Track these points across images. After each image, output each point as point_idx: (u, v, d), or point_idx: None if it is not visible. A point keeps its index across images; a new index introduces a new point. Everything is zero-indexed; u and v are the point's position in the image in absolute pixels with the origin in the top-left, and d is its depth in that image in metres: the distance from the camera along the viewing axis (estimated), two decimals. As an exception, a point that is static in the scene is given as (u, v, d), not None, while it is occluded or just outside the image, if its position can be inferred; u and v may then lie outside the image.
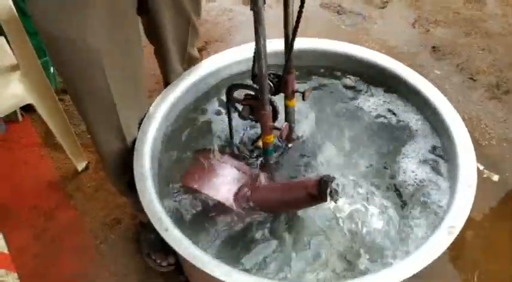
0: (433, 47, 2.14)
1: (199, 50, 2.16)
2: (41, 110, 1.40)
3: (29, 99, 1.32)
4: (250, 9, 0.91)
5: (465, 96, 1.90)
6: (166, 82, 1.34)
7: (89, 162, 1.70)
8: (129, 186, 1.19)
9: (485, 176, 1.62)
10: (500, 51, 2.12)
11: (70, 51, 0.95)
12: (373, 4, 2.41)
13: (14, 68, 1.35)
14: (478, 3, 2.41)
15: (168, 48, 1.24)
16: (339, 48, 1.35)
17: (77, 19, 0.91)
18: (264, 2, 0.86)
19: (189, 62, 1.34)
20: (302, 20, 0.92)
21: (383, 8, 2.39)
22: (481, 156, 1.65)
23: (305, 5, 0.90)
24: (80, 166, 1.67)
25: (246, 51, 1.36)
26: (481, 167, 1.64)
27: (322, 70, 1.38)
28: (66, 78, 1.04)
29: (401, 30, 2.25)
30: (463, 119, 1.15)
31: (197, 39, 1.34)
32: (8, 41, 1.47)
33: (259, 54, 0.91)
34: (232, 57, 1.36)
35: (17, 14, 1.28)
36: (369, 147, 1.19)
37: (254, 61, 1.05)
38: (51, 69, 1.88)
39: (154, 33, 1.20)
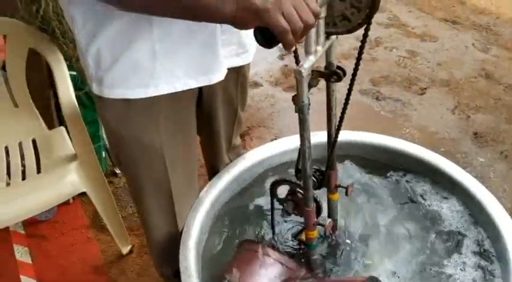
0: (475, 134, 2.14)
1: (242, 135, 2.24)
2: (92, 196, 1.47)
3: (83, 188, 1.40)
4: (295, 111, 0.96)
5: (511, 184, 1.87)
6: (211, 170, 1.40)
7: (133, 246, 1.74)
8: (174, 274, 1.21)
9: (538, 271, 1.54)
10: (545, 138, 2.10)
11: (136, 148, 1.03)
12: (411, 90, 2.47)
13: (72, 158, 1.45)
14: (519, 89, 2.44)
15: (217, 139, 1.30)
16: (379, 141, 1.38)
17: (144, 120, 0.99)
18: (308, 109, 0.92)
19: (233, 150, 1.41)
20: (341, 106, 0.97)
21: (422, 94, 2.44)
22: (532, 250, 1.58)
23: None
24: (125, 250, 1.71)
25: (289, 142, 1.41)
26: (533, 261, 1.56)
27: (363, 162, 1.40)
28: (127, 168, 1.11)
29: (441, 117, 2.27)
30: (511, 209, 1.13)
31: (241, 129, 1.41)
32: (67, 131, 1.59)
33: (304, 156, 0.95)
34: (277, 148, 1.41)
35: (78, 107, 1.41)
36: (414, 244, 1.18)
37: (298, 158, 1.09)
38: (103, 154, 1.99)
39: (205, 125, 1.27)
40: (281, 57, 2.82)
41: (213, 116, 1.21)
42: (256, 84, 2.62)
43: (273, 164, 1.41)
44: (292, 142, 1.40)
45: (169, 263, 1.23)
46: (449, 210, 1.25)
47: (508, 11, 3.15)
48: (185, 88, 0.97)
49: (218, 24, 0.93)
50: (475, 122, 2.22)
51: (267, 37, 0.71)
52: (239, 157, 1.38)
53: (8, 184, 1.42)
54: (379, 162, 1.39)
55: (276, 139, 2.26)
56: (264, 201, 1.34)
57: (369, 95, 2.46)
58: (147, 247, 1.56)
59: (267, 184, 1.35)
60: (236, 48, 1.04)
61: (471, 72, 2.59)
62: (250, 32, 1.04)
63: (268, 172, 1.40)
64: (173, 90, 0.96)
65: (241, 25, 0.72)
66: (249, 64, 1.18)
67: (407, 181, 1.34)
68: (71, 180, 1.37)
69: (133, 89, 0.94)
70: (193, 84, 0.98)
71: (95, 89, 0.96)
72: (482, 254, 1.13)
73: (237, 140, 1.43)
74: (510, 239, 1.07)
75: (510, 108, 2.30)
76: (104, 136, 1.94)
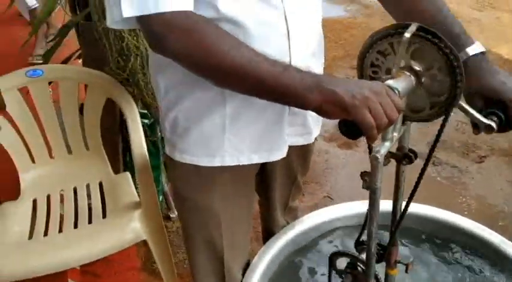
0: (536, 209, 2.07)
1: (294, 190, 2.26)
2: (151, 243, 1.52)
3: (145, 236, 1.45)
4: (363, 187, 0.97)
5: None
6: (266, 229, 1.42)
7: (182, 294, 1.76)
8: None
9: None
10: None
11: (195, 209, 1.08)
12: (469, 158, 2.43)
13: (136, 205, 1.51)
14: None
15: (272, 203, 1.33)
16: (441, 216, 1.37)
17: (207, 186, 1.05)
18: (380, 191, 0.93)
19: (289, 212, 1.42)
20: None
21: (480, 162, 2.40)
22: None
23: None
24: (174, 297, 1.73)
25: (346, 208, 1.42)
26: None
27: (423, 236, 1.39)
28: (183, 223, 1.16)
29: (500, 188, 2.21)
30: None
31: (299, 194, 1.43)
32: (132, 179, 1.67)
33: (370, 235, 0.96)
34: (334, 213, 1.43)
35: (148, 157, 1.48)
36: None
37: (361, 231, 1.11)
38: (160, 198, 2.06)
39: (262, 190, 1.31)
40: (337, 113, 2.85)
41: (270, 184, 1.25)
42: (311, 139, 2.65)
43: (329, 229, 1.41)
44: (349, 208, 1.42)
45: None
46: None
47: None
48: (248, 162, 1.02)
49: (287, 106, 0.97)
50: (536, 196, 2.16)
51: (351, 129, 0.74)
52: (296, 220, 1.40)
53: (75, 226, 1.50)
54: (437, 236, 1.37)
55: (328, 197, 2.28)
56: (318, 267, 1.34)
57: (424, 158, 2.43)
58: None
59: (323, 249, 1.36)
60: (300, 129, 1.07)
61: (533, 143, 2.53)
62: (316, 116, 1.08)
63: (324, 237, 1.40)
64: (237, 163, 1.01)
65: (325, 115, 0.76)
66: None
67: (466, 258, 1.31)
68: (134, 229, 1.43)
69: (201, 157, 1.00)
70: (256, 159, 1.03)
71: (168, 150, 1.04)
72: None
73: (295, 203, 1.45)
74: None
75: None
76: (163, 180, 2.02)
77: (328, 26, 3.72)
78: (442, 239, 1.36)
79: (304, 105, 0.77)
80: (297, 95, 0.77)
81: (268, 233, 1.39)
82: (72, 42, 1.94)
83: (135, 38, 1.62)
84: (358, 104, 0.71)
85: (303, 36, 0.93)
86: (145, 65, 1.63)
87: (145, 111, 1.79)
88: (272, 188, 1.27)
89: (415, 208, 1.39)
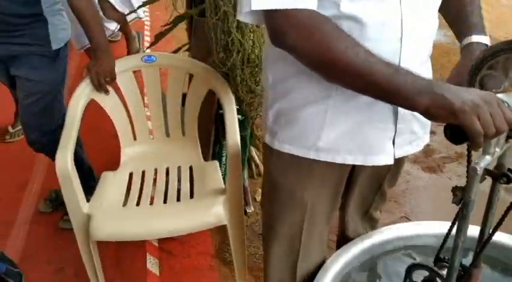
0: None
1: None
2: (231, 231, 1.59)
3: (226, 221, 1.53)
4: (453, 203, 0.97)
5: None
6: (343, 235, 1.43)
7: (250, 286, 1.82)
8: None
9: None
10: None
11: (285, 197, 1.13)
12: None
13: (221, 191, 1.60)
14: None
15: (350, 207, 1.34)
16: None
17: (301, 176, 1.09)
18: (473, 206, 0.93)
19: (369, 221, 1.43)
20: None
21: None
22: None
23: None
24: (242, 287, 1.79)
25: (427, 227, 1.41)
26: None
27: (501, 265, 1.34)
28: (267, 209, 1.21)
29: None
30: None
31: (383, 204, 1.43)
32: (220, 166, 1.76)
33: (455, 249, 0.96)
34: (413, 230, 1.41)
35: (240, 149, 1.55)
36: None
37: (441, 246, 1.10)
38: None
39: (344, 189, 1.32)
40: (424, 136, 2.79)
41: (353, 186, 1.25)
42: (394, 158, 2.62)
43: (407, 244, 1.40)
44: (430, 227, 1.40)
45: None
46: None
47: None
48: (342, 162, 1.04)
49: (392, 112, 0.99)
50: None
51: (456, 134, 0.76)
52: (376, 230, 1.41)
53: (165, 201, 1.61)
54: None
55: (405, 217, 2.24)
56: (389, 278, 1.34)
57: (511, 192, 2.31)
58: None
59: (397, 262, 1.35)
60: (409, 136, 1.06)
61: None
62: (424, 122, 1.09)
63: (400, 251, 1.39)
64: (330, 160, 1.03)
65: (432, 118, 0.78)
66: None
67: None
68: (217, 212, 1.51)
69: (298, 148, 1.04)
70: (350, 160, 1.04)
71: (267, 139, 1.09)
72: None
73: (377, 214, 1.44)
74: None
75: None
76: (245, 176, 2.10)
77: (426, 50, 3.63)
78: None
79: (412, 107, 0.80)
80: (407, 97, 0.79)
81: (344, 239, 1.40)
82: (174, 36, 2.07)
83: (240, 35, 1.71)
84: (467, 110, 0.73)
85: (415, 43, 0.95)
86: (245, 62, 1.72)
87: (238, 107, 1.88)
88: (354, 188, 1.27)
89: (501, 237, 1.34)
